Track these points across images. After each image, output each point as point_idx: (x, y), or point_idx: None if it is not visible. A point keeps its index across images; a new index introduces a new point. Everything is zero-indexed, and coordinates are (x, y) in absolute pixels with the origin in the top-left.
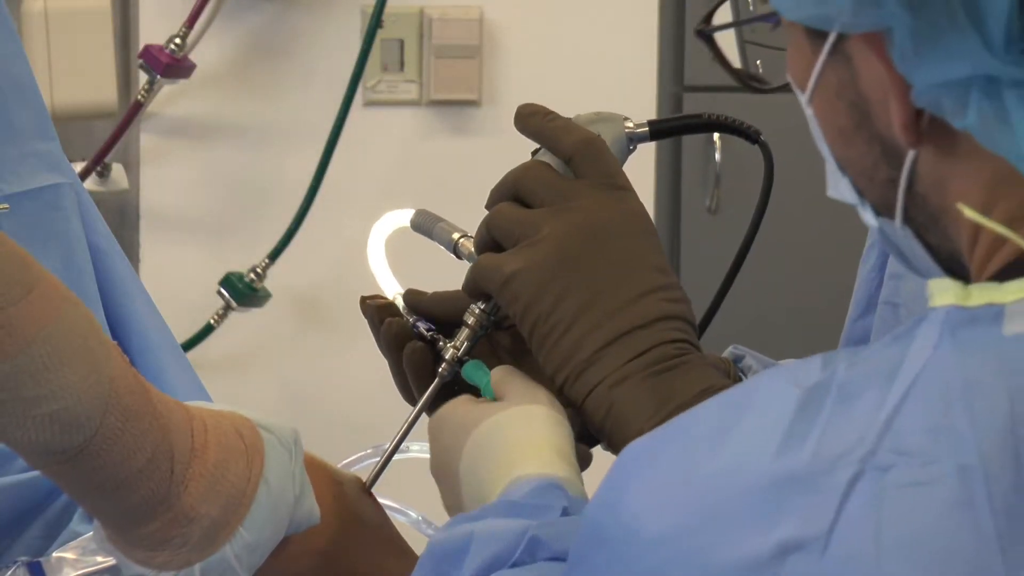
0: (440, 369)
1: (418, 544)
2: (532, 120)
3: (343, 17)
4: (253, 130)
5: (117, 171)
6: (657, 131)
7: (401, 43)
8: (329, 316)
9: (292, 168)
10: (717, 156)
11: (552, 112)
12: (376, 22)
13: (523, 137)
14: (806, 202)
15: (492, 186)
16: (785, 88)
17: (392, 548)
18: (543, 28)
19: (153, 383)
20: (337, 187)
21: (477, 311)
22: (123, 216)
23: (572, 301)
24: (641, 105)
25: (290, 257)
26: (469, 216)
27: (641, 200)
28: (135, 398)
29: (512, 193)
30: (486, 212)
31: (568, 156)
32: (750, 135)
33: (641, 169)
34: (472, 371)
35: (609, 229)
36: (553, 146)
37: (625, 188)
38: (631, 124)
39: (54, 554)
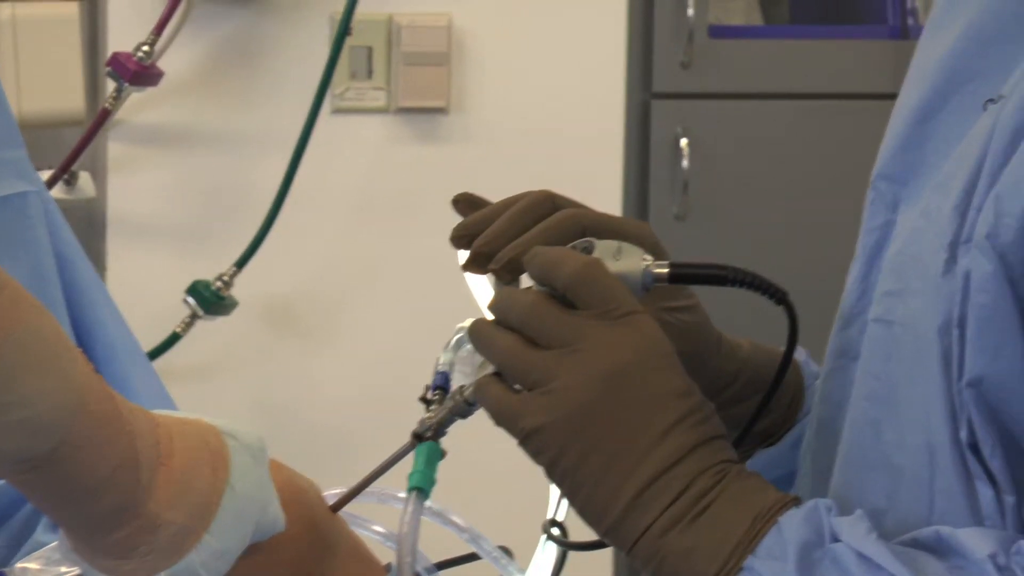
0: (413, 430)
1: (383, 556)
2: (509, 250)
3: (311, 24)
4: (221, 138)
5: (84, 179)
6: (677, 276)
7: (369, 50)
8: (297, 324)
9: (260, 176)
10: (684, 163)
11: (482, 201)
12: (344, 29)
13: (493, 145)
14: (792, 213)
15: (460, 192)
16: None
17: (355, 557)
18: (512, 35)
19: (119, 391)
20: (305, 195)
21: (459, 397)
22: (90, 224)
23: (598, 454)
24: (609, 112)
25: (257, 265)
26: (437, 224)
27: (648, 322)
28: (102, 406)
29: (518, 329)
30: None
31: (566, 288)
32: (776, 295)
33: (608, 176)
34: (420, 452)
35: (623, 369)
36: (550, 279)
37: (631, 312)
38: (650, 261)
39: (18, 564)
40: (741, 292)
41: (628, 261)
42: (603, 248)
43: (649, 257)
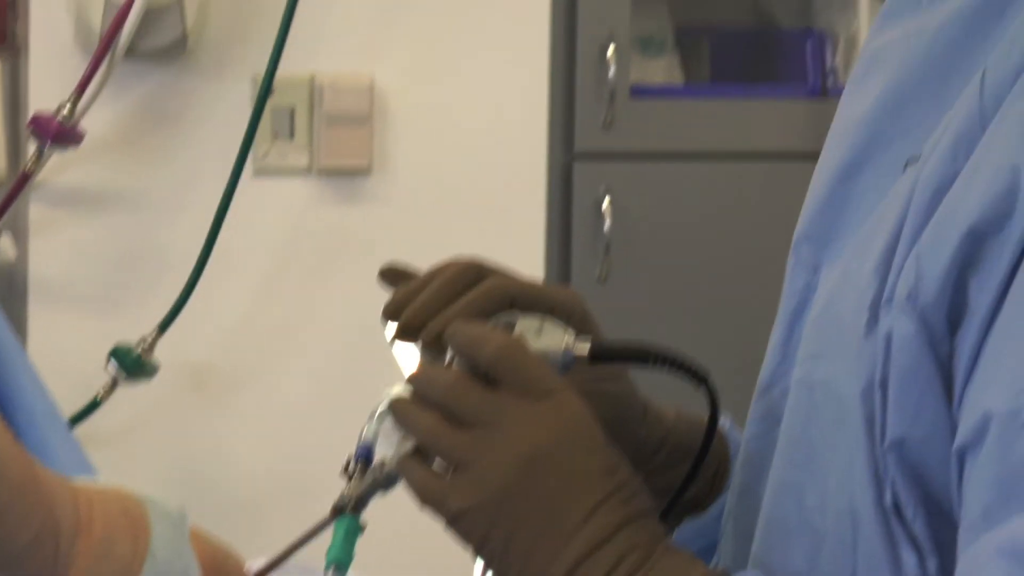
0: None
1: None
2: (436, 323)
3: (234, 85)
4: (142, 199)
5: (5, 241)
6: (597, 356)
7: (292, 111)
8: (218, 389)
9: (182, 237)
10: (607, 224)
11: (408, 272)
12: (267, 90)
13: (415, 205)
14: (714, 273)
15: (384, 254)
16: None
17: None
18: (434, 95)
19: (38, 458)
20: (227, 257)
21: (380, 473)
22: (11, 287)
23: (525, 535)
24: (531, 173)
25: (180, 329)
26: (360, 286)
27: (570, 400)
28: (20, 473)
29: (440, 406)
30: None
31: (488, 367)
32: (696, 376)
33: (530, 237)
34: (339, 526)
35: (546, 449)
36: (472, 357)
37: (552, 390)
38: (571, 340)
39: None
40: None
41: (550, 339)
42: (526, 325)
43: (572, 335)
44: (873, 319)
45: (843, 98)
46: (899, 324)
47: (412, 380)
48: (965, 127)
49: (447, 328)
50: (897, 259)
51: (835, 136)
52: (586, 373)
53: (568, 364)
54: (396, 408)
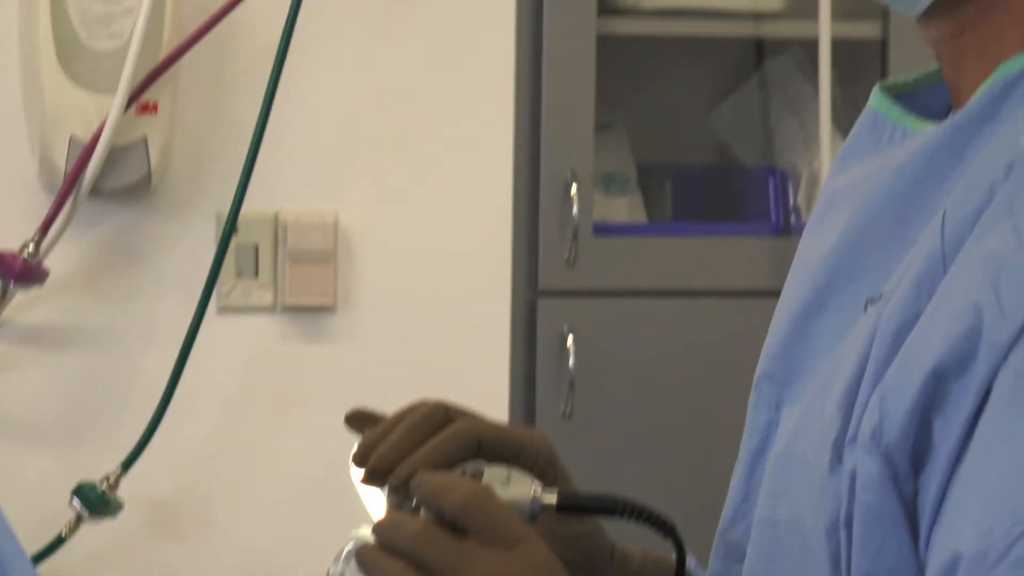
0: None
1: None
2: (404, 468)
3: (198, 223)
4: (107, 337)
5: None
6: (564, 506)
7: (256, 248)
8: (184, 526)
9: (146, 375)
10: (571, 361)
11: (375, 416)
12: (231, 228)
13: (379, 343)
14: (678, 410)
15: (348, 391)
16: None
17: None
18: (398, 233)
19: None
20: (192, 394)
21: None
22: None
23: None
24: (495, 310)
25: (144, 466)
26: (324, 423)
27: (537, 548)
28: None
29: (407, 555)
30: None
31: (455, 516)
32: (663, 528)
33: (495, 374)
34: None
35: None
36: (439, 506)
37: (519, 539)
38: (539, 489)
39: None
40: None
41: (517, 489)
42: (493, 474)
43: (539, 485)
44: (837, 457)
45: (803, 238)
46: (863, 463)
47: (378, 529)
48: (927, 267)
49: (414, 477)
50: (860, 398)
51: (796, 275)
52: (554, 517)
53: (536, 513)
54: (362, 556)
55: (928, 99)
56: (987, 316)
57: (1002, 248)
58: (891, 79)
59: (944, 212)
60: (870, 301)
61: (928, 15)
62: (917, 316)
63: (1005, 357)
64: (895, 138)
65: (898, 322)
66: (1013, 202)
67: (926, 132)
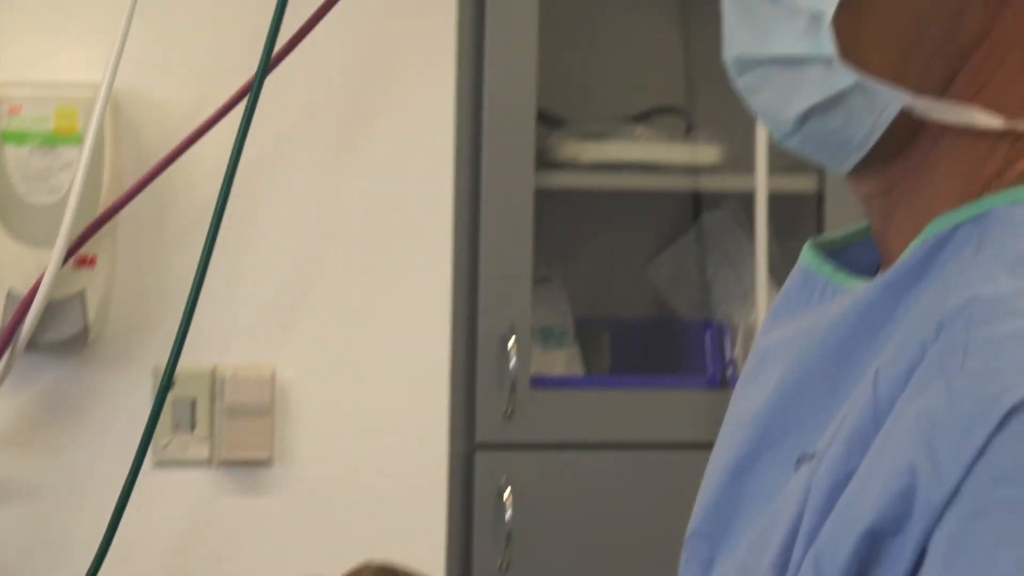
0: None
1: None
2: None
3: (135, 376)
4: (43, 490)
5: None
6: None
7: (193, 402)
8: None
9: (82, 529)
10: (508, 514)
11: None
12: (168, 382)
13: (316, 497)
14: (614, 563)
15: (285, 545)
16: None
17: None
18: (335, 387)
19: None
20: (128, 548)
21: None
22: None
23: None
24: (432, 463)
25: None
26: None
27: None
28: None
29: None
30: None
31: None
32: None
33: (432, 528)
34: None
35: None
36: None
37: None
38: None
39: None
40: None
41: None
42: None
43: None
44: None
45: (735, 395)
46: None
47: None
48: (859, 425)
49: None
50: (795, 556)
51: (728, 431)
52: None
53: None
54: None
55: (858, 256)
56: (921, 476)
57: (935, 407)
58: (822, 236)
59: (876, 370)
60: (801, 459)
61: (858, 172)
62: (850, 475)
63: (939, 518)
64: (826, 295)
65: (831, 480)
66: (944, 361)
67: (856, 289)
